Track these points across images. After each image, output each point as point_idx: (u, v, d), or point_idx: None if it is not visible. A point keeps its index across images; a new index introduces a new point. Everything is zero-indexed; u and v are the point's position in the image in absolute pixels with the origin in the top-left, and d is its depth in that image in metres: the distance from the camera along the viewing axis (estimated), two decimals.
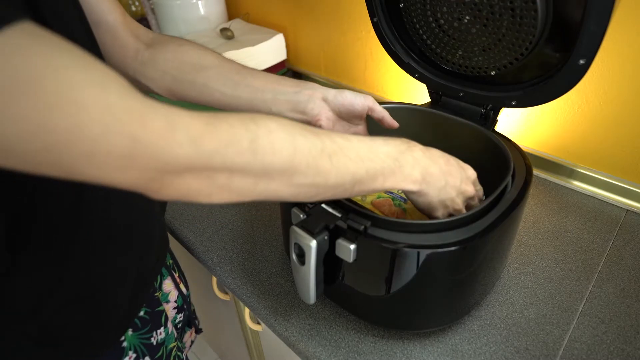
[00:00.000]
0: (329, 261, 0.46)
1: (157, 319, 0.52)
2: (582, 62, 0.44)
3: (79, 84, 0.22)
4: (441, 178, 0.41)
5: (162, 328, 0.53)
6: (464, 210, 0.45)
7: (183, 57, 0.50)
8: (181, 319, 0.61)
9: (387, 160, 0.37)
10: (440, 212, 0.44)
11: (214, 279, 0.77)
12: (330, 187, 0.35)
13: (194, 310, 0.67)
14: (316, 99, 0.50)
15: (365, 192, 0.38)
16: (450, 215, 0.44)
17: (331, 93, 0.51)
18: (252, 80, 0.50)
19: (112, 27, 0.49)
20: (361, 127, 0.56)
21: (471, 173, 0.45)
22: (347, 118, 0.53)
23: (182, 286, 0.61)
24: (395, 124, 0.54)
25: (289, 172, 0.32)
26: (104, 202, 0.41)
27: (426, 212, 0.44)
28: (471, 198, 0.45)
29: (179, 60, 0.50)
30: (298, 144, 0.32)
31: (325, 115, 0.51)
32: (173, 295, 0.59)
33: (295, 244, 0.44)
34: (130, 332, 0.48)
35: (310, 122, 0.51)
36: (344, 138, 0.36)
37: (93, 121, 0.22)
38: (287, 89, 0.50)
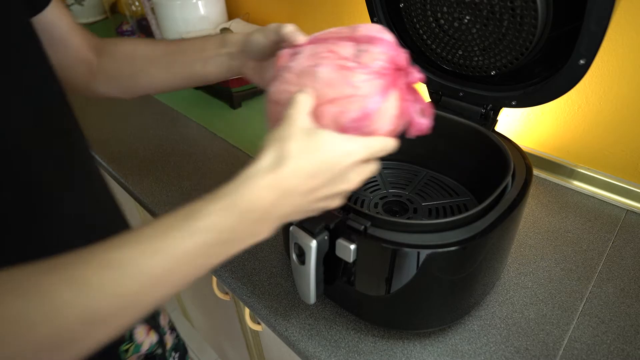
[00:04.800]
0: (329, 261, 0.46)
1: None
2: (582, 62, 0.44)
3: None
4: (299, 207, 0.33)
5: None
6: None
7: (120, 56, 0.52)
8: None
9: (210, 251, 0.28)
10: (309, 214, 0.36)
11: (214, 279, 0.77)
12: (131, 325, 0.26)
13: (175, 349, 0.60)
14: (235, 53, 0.48)
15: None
16: None
17: (241, 43, 0.47)
18: (181, 58, 0.50)
19: (75, 48, 0.49)
20: None
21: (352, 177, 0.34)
22: (270, 60, 0.48)
23: (152, 333, 0.54)
24: (299, 39, 0.41)
25: None
26: None
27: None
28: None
29: (118, 63, 0.52)
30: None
31: (248, 67, 0.49)
32: (146, 344, 0.53)
33: (295, 244, 0.44)
34: None
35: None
36: (120, 261, 0.24)
37: None
38: (210, 54, 0.49)
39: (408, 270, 0.43)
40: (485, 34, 0.50)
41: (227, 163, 0.85)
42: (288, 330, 0.54)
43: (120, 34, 1.44)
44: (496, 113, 0.57)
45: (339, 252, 0.44)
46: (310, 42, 0.40)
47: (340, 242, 0.43)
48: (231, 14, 1.27)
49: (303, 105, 0.34)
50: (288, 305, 0.57)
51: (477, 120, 0.58)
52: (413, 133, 0.40)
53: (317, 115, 0.35)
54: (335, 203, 0.36)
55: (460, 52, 0.55)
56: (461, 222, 0.43)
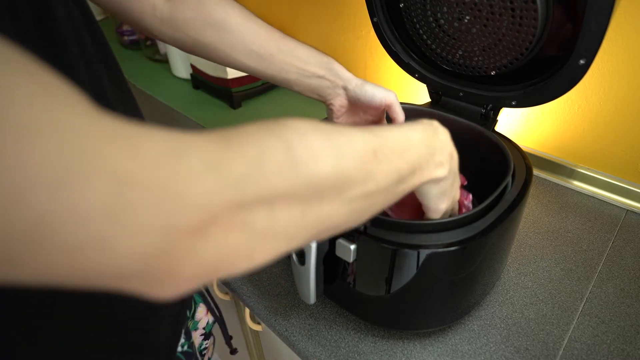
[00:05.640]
0: (329, 261, 0.46)
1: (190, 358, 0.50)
2: (582, 62, 0.44)
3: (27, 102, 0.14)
4: (457, 161, 0.38)
5: None
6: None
7: (205, 18, 0.47)
8: (206, 345, 0.59)
9: (421, 148, 0.33)
10: (446, 204, 0.40)
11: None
12: (380, 193, 0.29)
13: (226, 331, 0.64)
14: (337, 87, 0.50)
15: (402, 194, 0.32)
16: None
17: (352, 84, 0.50)
18: (277, 57, 0.48)
19: None
20: (377, 120, 0.55)
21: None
22: (363, 109, 0.53)
23: (209, 314, 0.59)
24: None
25: (340, 183, 0.25)
26: None
27: (432, 204, 0.40)
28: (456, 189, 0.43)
29: (201, 22, 0.47)
30: (340, 144, 0.25)
31: (339, 102, 0.51)
32: (203, 322, 0.57)
33: None
34: None
35: (324, 103, 0.52)
36: (378, 127, 0.31)
37: (44, 166, 0.13)
38: (312, 72, 0.49)
39: (408, 271, 0.43)
40: (485, 34, 0.50)
41: None
42: (288, 330, 0.54)
43: (120, 34, 1.44)
44: (496, 113, 0.57)
45: (339, 252, 0.44)
46: None
47: (340, 242, 0.43)
48: None
49: None
50: (288, 305, 0.57)
51: (477, 120, 0.58)
52: (461, 213, 0.48)
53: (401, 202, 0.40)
54: (458, 192, 0.42)
55: (460, 52, 0.55)
56: (461, 222, 0.43)
